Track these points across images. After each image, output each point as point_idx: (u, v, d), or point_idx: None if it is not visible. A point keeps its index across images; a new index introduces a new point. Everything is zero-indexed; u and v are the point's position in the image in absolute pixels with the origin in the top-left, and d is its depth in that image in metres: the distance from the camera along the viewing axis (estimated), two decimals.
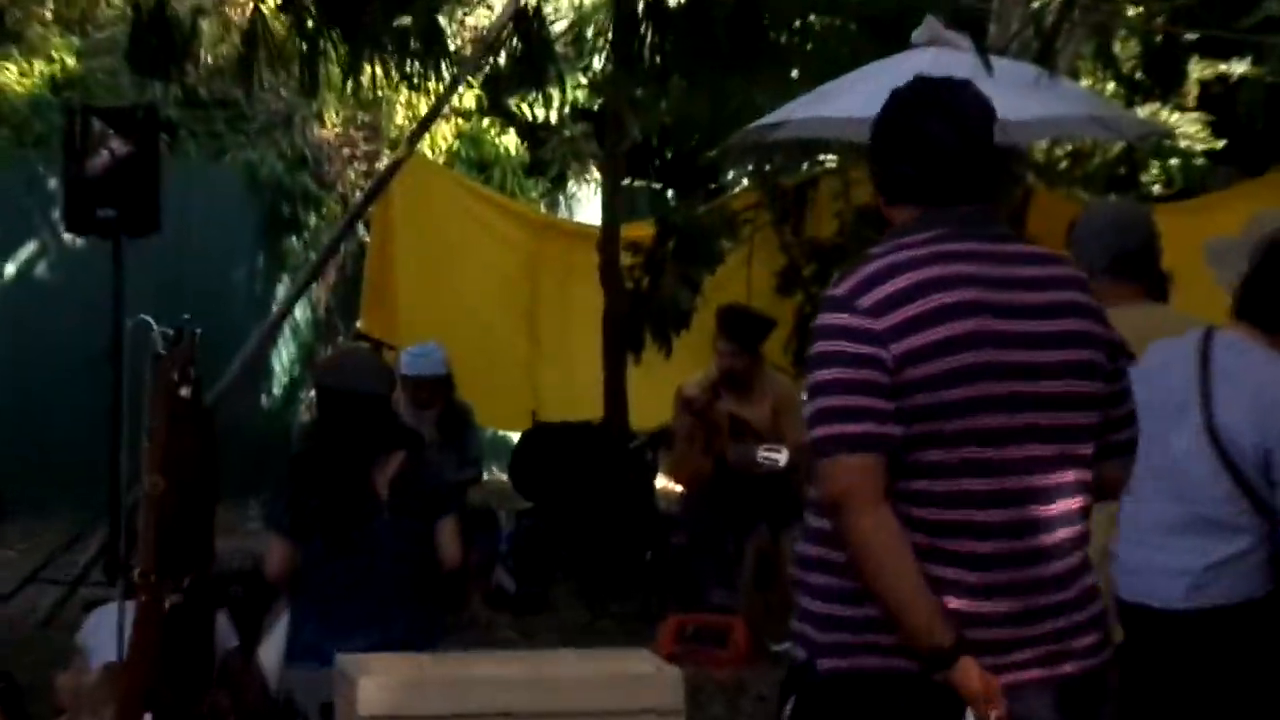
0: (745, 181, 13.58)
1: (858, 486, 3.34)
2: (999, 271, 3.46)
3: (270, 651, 6.64)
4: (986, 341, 3.39)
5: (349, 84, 9.22)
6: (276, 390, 14.82)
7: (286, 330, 14.10)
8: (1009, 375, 3.41)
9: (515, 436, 11.92)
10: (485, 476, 11.19)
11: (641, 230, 11.44)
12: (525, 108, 16.28)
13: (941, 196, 3.50)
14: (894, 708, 3.42)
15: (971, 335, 3.38)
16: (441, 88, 10.54)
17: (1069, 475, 3.48)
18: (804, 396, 3.67)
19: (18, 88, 14.43)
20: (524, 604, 10.02)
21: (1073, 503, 3.49)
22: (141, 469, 5.70)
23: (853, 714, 3.46)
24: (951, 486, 3.39)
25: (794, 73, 11.61)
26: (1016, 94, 8.69)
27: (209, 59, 9.65)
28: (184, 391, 5.53)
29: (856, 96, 8.68)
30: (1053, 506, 3.46)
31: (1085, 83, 11.75)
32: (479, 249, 12.48)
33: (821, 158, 12.15)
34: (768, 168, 11.94)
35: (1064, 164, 13.21)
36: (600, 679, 5.33)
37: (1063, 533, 3.47)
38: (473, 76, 13.03)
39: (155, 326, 5.70)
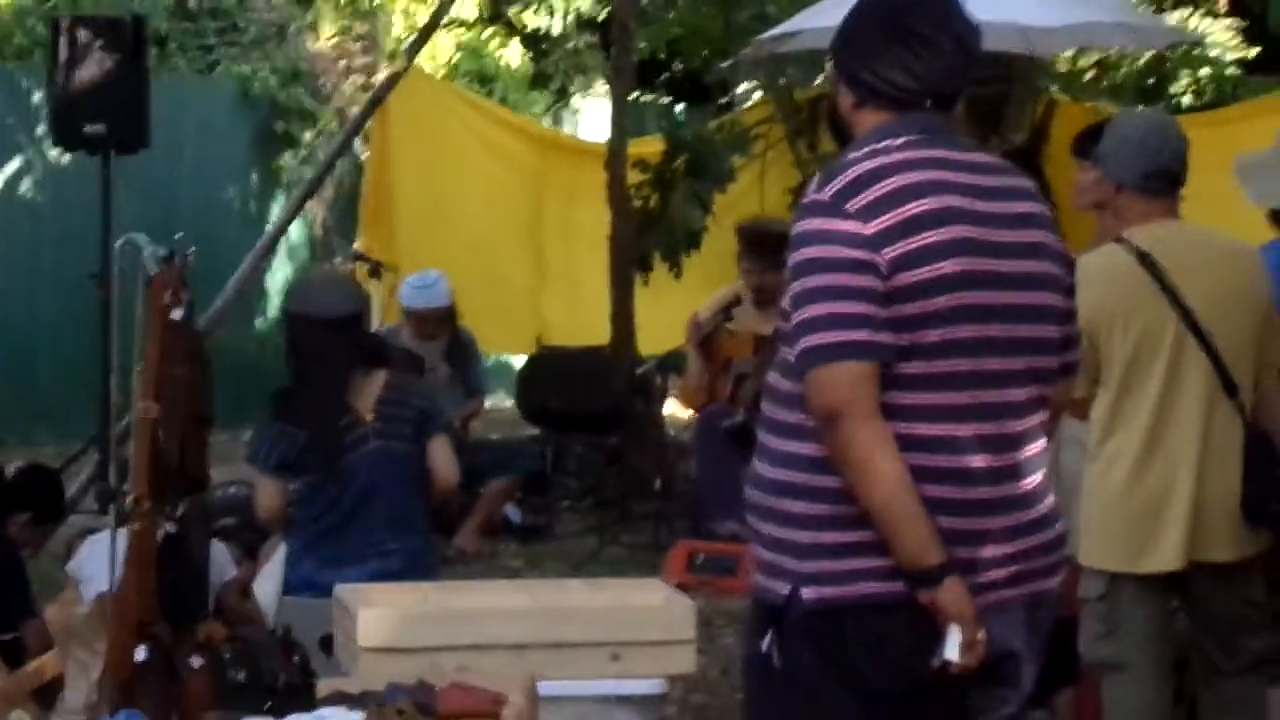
0: (757, 95, 13.34)
1: (857, 396, 3.28)
2: (969, 179, 3.42)
3: (266, 585, 6.57)
4: (967, 249, 3.35)
5: None
6: (271, 312, 14.63)
7: (282, 250, 13.93)
8: (987, 285, 3.37)
9: (520, 361, 11.68)
10: (490, 402, 11.01)
11: (650, 147, 11.25)
12: (528, 16, 16.02)
13: (919, 101, 3.45)
14: (888, 631, 3.37)
15: (954, 242, 3.34)
16: None
17: (1036, 390, 3.47)
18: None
19: None
20: (530, 533, 9.80)
21: (1037, 418, 3.48)
22: (132, 394, 5.54)
23: (847, 641, 3.39)
24: (934, 399, 3.35)
25: None
26: (1041, 1, 8.44)
27: None
28: (176, 314, 5.39)
29: None
30: (1025, 421, 3.44)
31: None
32: (481, 166, 12.29)
33: None
34: (781, 81, 11.74)
35: (1090, 74, 12.94)
36: (610, 609, 5.29)
37: (1031, 449, 3.46)
38: None
39: (146, 246, 5.55)
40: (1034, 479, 3.47)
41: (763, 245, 9.33)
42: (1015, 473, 3.42)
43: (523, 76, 16.03)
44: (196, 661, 5.46)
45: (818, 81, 11.86)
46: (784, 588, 3.40)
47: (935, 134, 3.44)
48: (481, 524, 9.54)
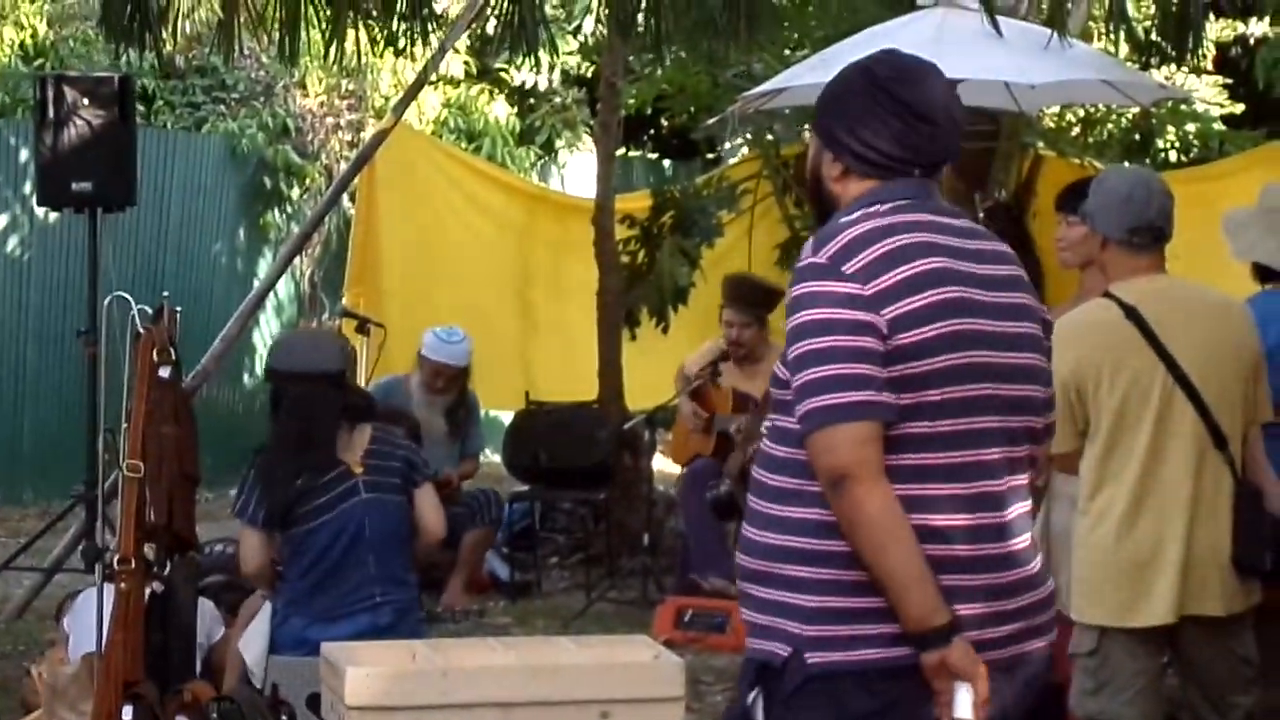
0: (744, 151, 13.37)
1: (863, 457, 3.29)
2: (957, 242, 3.47)
3: (252, 645, 6.51)
4: (962, 310, 3.40)
5: (331, 50, 8.89)
6: (259, 370, 14.59)
7: (269, 306, 13.93)
8: (982, 344, 3.42)
9: (508, 417, 11.66)
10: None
11: (637, 202, 11.27)
12: (514, 72, 16.07)
13: (909, 171, 3.49)
14: (893, 698, 3.36)
15: (950, 303, 3.39)
16: (428, 53, 10.22)
17: (1027, 449, 3.52)
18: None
19: None
20: (518, 590, 9.77)
21: (1023, 479, 3.52)
22: (120, 451, 5.53)
23: (847, 707, 3.38)
24: (935, 459, 3.37)
25: (794, 37, 11.39)
26: (1026, 57, 8.50)
27: (187, 26, 9.36)
28: (164, 373, 5.38)
29: None
30: (1018, 479, 3.49)
31: (1098, 45, 11.53)
32: (468, 221, 12.30)
33: None
34: (768, 137, 11.76)
35: (1075, 130, 12.97)
36: (598, 667, 5.26)
37: (1020, 507, 3.50)
38: (460, 41, 12.77)
39: (134, 304, 5.53)
40: (1023, 538, 3.48)
41: (745, 297, 9.36)
42: (1005, 531, 3.44)
43: (510, 131, 16.07)
44: None
45: (805, 136, 11.87)
46: (783, 650, 3.39)
47: (922, 198, 3.48)
48: (467, 579, 9.52)
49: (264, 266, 14.18)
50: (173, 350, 5.63)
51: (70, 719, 6.21)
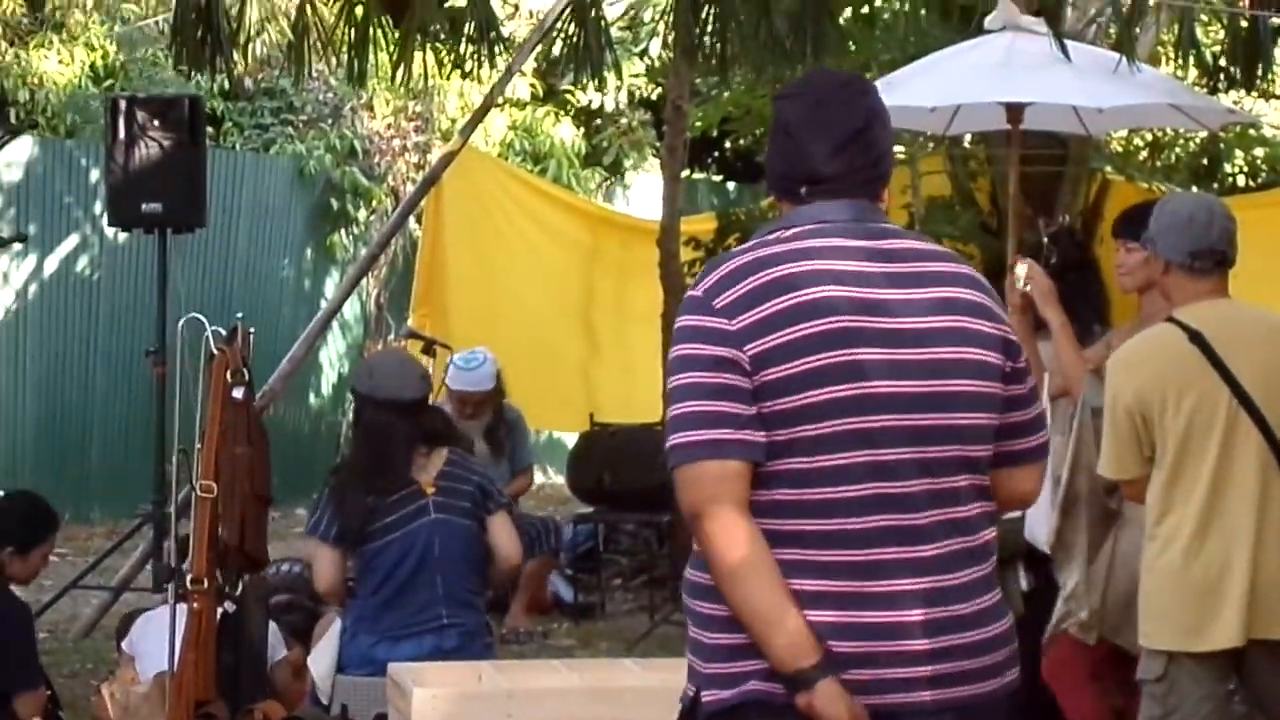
0: None
1: (718, 495, 3.22)
2: (867, 267, 3.33)
3: (321, 660, 6.54)
4: (849, 340, 3.26)
5: (399, 72, 8.95)
6: (325, 390, 14.69)
7: (335, 327, 13.98)
8: (877, 375, 3.27)
9: (571, 438, 11.70)
10: (541, 479, 11.00)
11: (702, 224, 11.29)
12: (580, 94, 16.14)
13: (795, 188, 3.42)
14: None
15: (831, 334, 3.26)
16: (495, 76, 10.27)
17: (960, 480, 3.34)
18: None
19: (58, 77, 14.24)
20: (581, 611, 9.79)
21: (964, 510, 3.34)
22: (190, 471, 5.57)
23: None
24: (821, 494, 3.26)
25: (861, 60, 11.36)
26: (1094, 81, 8.45)
27: (256, 49, 9.44)
28: (238, 393, 5.43)
29: (926, 85, 8.42)
30: (936, 513, 3.31)
31: (1166, 69, 11.47)
32: (533, 243, 12.34)
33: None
34: None
35: (1143, 154, 12.93)
36: (662, 690, 5.22)
37: (953, 542, 3.32)
38: (527, 64, 12.83)
39: (207, 325, 5.58)
40: (960, 575, 3.33)
41: None
42: (928, 566, 3.29)
43: (575, 153, 16.14)
44: None
45: None
46: (691, 689, 3.36)
47: (835, 222, 3.37)
48: (529, 602, 9.53)
49: (331, 287, 14.25)
50: (246, 371, 5.68)
51: None
